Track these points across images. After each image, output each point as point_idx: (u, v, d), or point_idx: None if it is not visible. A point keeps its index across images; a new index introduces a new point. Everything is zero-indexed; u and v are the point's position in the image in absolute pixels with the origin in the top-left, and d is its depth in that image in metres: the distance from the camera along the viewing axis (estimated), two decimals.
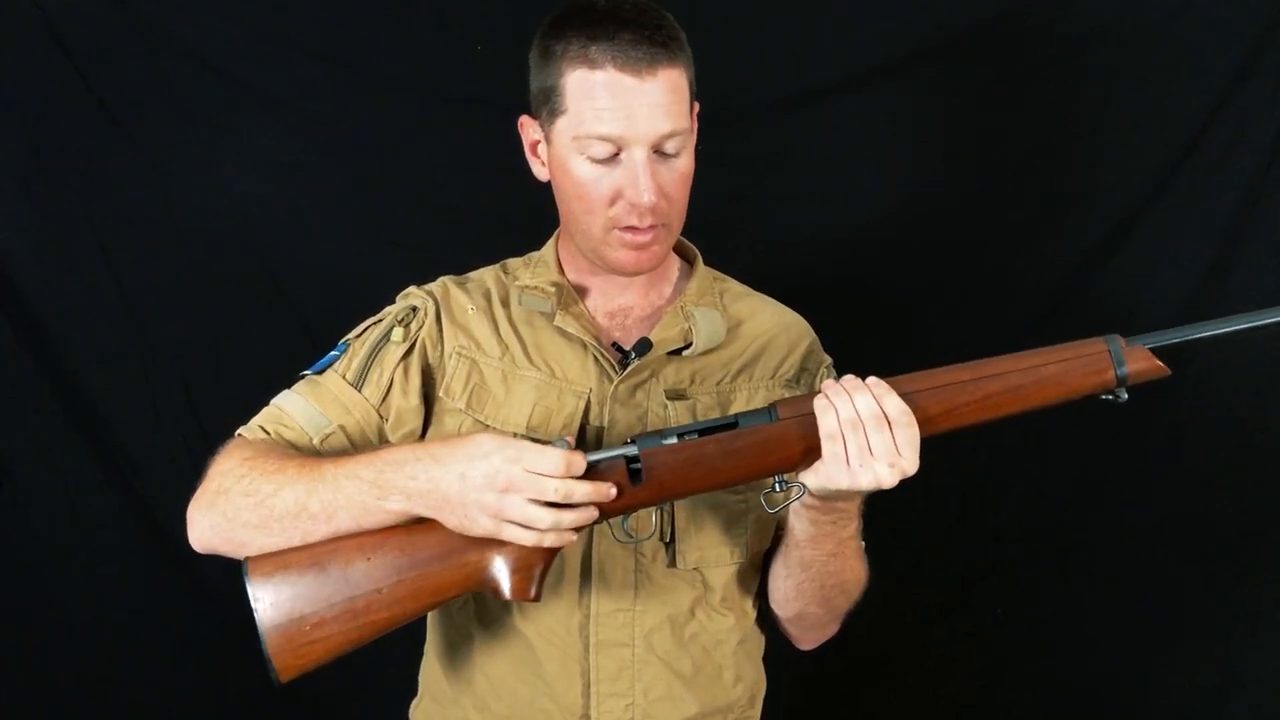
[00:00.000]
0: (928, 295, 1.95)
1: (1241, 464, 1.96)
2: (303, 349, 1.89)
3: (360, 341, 1.27)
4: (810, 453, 1.10)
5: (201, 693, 2.02)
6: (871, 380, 1.09)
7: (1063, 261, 1.95)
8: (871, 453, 1.06)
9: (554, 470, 1.03)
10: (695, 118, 1.22)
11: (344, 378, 1.24)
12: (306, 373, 1.27)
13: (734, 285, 1.37)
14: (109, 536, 1.97)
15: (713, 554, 1.24)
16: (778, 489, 1.12)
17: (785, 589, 1.27)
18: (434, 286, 1.31)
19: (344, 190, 1.93)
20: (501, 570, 1.10)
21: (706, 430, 1.12)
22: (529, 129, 1.24)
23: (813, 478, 1.10)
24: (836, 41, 1.92)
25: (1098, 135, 1.92)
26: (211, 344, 1.94)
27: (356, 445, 1.21)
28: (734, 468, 1.11)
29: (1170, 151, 1.91)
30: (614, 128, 1.13)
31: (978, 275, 1.96)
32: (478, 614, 1.26)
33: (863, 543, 1.26)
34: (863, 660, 2.02)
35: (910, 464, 1.07)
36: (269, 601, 1.09)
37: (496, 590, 1.11)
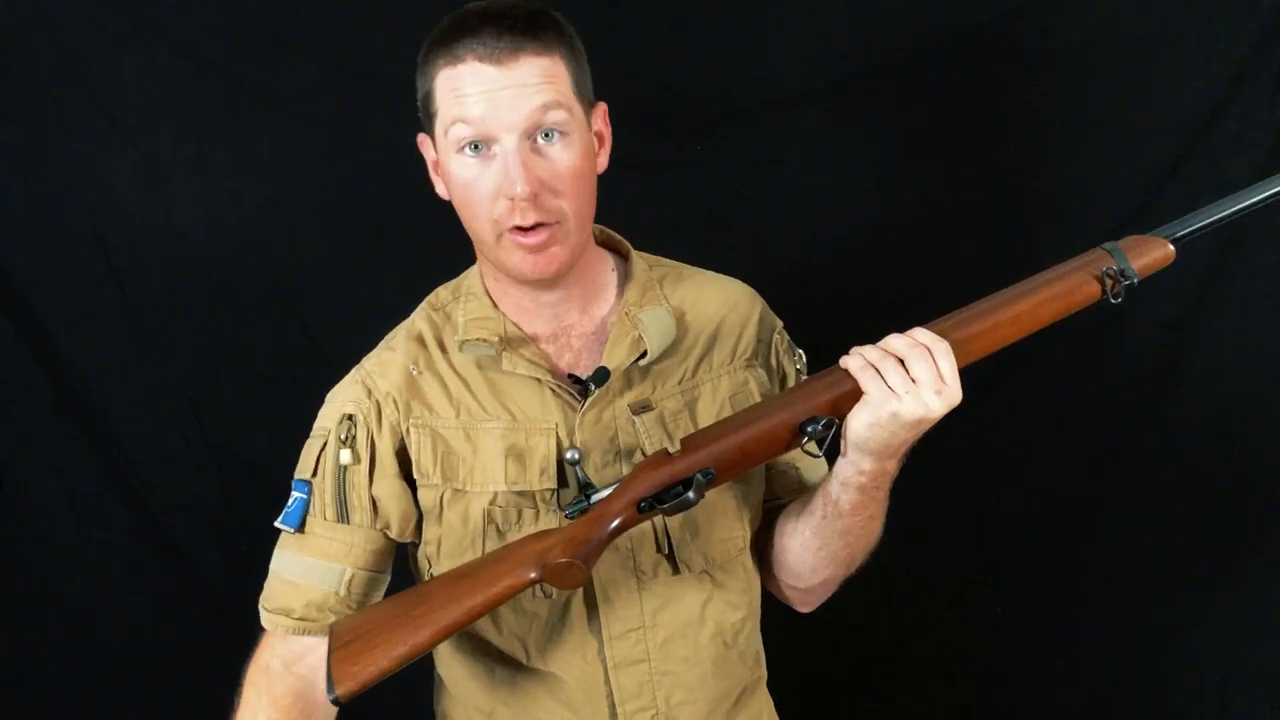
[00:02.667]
0: (927, 296, 1.94)
1: (1241, 463, 1.96)
2: (303, 349, 1.91)
3: (319, 479, 1.22)
4: (838, 404, 1.10)
5: (202, 692, 2.02)
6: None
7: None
8: (914, 381, 1.06)
9: None
10: (606, 121, 1.20)
11: (325, 518, 1.21)
12: (280, 526, 1.23)
13: (670, 267, 1.32)
14: (109, 536, 1.97)
15: (718, 551, 1.24)
16: (810, 430, 1.10)
17: (815, 561, 1.26)
18: (360, 379, 1.23)
19: (344, 191, 1.92)
20: (555, 549, 1.10)
21: None
22: (426, 147, 1.22)
23: (860, 413, 1.08)
24: (836, 42, 1.91)
25: (1096, 137, 1.92)
26: (211, 344, 1.93)
27: (376, 569, 1.23)
28: (763, 419, 1.12)
29: (1168, 154, 1.91)
30: (476, 111, 1.10)
31: (977, 276, 1.95)
32: (500, 658, 1.25)
33: None
34: (863, 660, 2.03)
35: (955, 391, 1.07)
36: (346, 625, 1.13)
37: (551, 565, 1.09)
